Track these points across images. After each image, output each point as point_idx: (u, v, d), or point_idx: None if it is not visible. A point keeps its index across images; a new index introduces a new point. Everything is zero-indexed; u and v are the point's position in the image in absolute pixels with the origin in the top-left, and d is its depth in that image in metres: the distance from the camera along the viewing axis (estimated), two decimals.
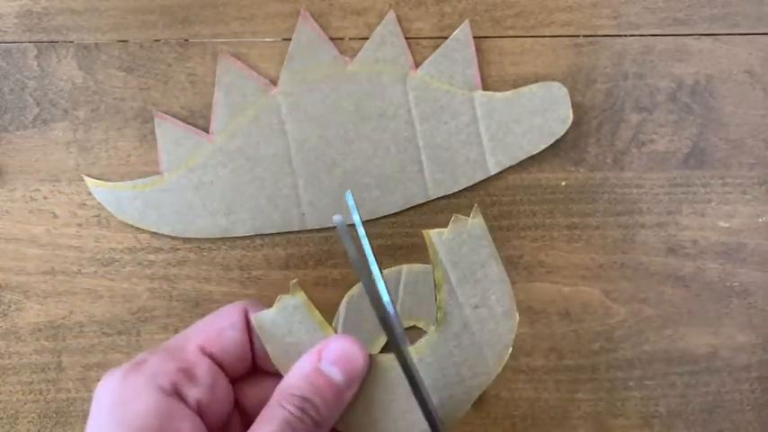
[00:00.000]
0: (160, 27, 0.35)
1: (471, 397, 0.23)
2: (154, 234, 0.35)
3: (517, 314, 0.23)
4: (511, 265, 0.36)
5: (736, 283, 0.36)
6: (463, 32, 0.35)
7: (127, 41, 0.35)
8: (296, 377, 0.22)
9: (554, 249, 0.36)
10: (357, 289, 0.35)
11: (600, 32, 0.36)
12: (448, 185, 0.35)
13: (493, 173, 0.35)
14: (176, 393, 0.21)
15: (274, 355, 0.23)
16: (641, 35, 0.36)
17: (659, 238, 0.36)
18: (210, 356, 0.22)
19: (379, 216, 0.35)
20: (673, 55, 0.36)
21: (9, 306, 0.35)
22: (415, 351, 0.23)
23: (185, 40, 0.35)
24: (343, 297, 0.35)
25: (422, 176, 0.35)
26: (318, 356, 0.22)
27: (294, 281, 0.23)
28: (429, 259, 0.35)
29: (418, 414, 0.22)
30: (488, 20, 0.35)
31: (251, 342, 0.23)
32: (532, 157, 0.35)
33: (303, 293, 0.23)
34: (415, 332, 0.36)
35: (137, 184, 0.35)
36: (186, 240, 0.35)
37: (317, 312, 0.23)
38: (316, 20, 0.35)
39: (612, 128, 0.36)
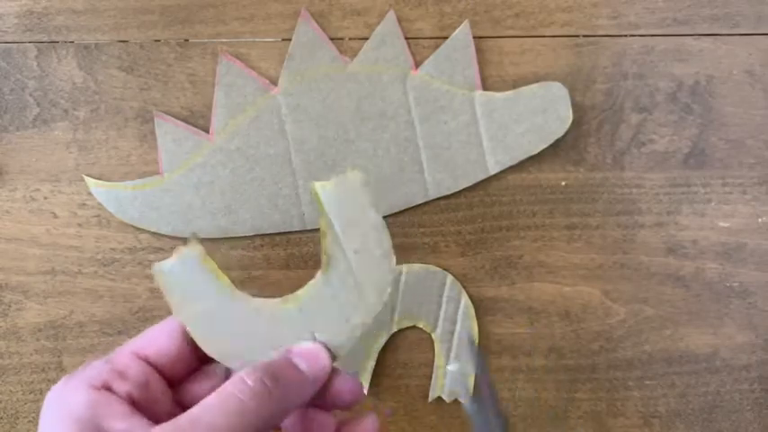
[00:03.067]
0: (160, 27, 0.35)
1: (355, 334, 0.25)
2: (154, 234, 0.35)
3: (394, 256, 0.25)
4: (511, 265, 0.36)
5: (735, 284, 0.36)
6: (463, 32, 0.35)
7: (127, 41, 0.35)
8: (262, 362, 0.23)
9: (554, 249, 0.36)
10: None
11: (600, 32, 0.36)
12: (448, 185, 0.35)
13: (493, 173, 0.35)
14: (107, 389, 0.22)
15: (172, 302, 0.24)
16: (641, 35, 0.36)
17: (659, 238, 0.36)
18: (146, 360, 0.24)
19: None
20: (673, 55, 0.36)
21: (9, 306, 0.35)
22: (298, 296, 0.25)
23: (185, 41, 0.35)
24: None
25: (422, 176, 0.35)
26: (287, 351, 0.24)
27: (192, 233, 0.25)
28: (428, 258, 0.36)
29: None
30: (488, 20, 0.35)
31: (192, 346, 0.25)
32: (532, 157, 0.35)
33: (200, 246, 0.25)
34: (414, 331, 0.36)
35: (137, 184, 0.35)
36: (186, 240, 0.35)
37: (212, 262, 0.25)
38: (316, 20, 0.35)
39: (612, 128, 0.36)
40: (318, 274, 0.25)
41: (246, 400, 0.22)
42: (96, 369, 0.23)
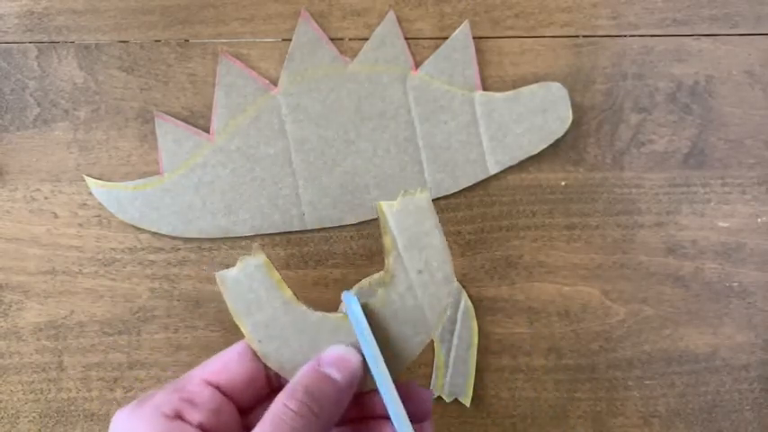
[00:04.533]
0: (160, 27, 0.35)
1: (414, 353, 0.25)
2: (154, 234, 0.35)
3: (455, 280, 0.26)
4: (511, 265, 0.36)
5: (735, 284, 0.36)
6: (463, 33, 0.35)
7: (127, 42, 0.35)
8: (297, 378, 0.24)
9: (554, 249, 0.36)
10: (357, 289, 0.35)
11: (600, 33, 0.36)
12: (448, 185, 0.35)
13: (493, 173, 0.35)
14: (178, 417, 0.23)
15: (234, 310, 0.25)
16: (641, 35, 0.36)
17: (659, 238, 0.36)
18: (217, 387, 0.24)
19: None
20: (672, 55, 0.36)
21: (10, 306, 0.35)
22: (370, 306, 0.25)
23: (185, 41, 0.35)
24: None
25: (422, 176, 0.35)
26: (318, 362, 0.24)
27: (257, 243, 0.25)
28: None
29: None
30: (488, 20, 0.35)
31: (265, 371, 0.25)
32: (532, 157, 0.35)
33: (264, 255, 0.25)
34: None
35: (137, 185, 0.35)
36: (187, 240, 0.35)
37: (275, 272, 0.25)
38: (316, 20, 0.35)
39: (612, 128, 0.36)
40: (380, 291, 0.25)
41: (295, 425, 0.22)
42: (167, 396, 0.23)
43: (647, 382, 0.36)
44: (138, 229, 0.35)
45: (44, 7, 0.35)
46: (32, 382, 0.36)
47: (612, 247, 0.36)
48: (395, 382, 0.24)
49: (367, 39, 0.35)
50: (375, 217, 0.35)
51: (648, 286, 0.36)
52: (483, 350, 0.36)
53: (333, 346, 0.25)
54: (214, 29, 0.35)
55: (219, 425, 0.23)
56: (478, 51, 0.35)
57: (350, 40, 0.35)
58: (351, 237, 0.36)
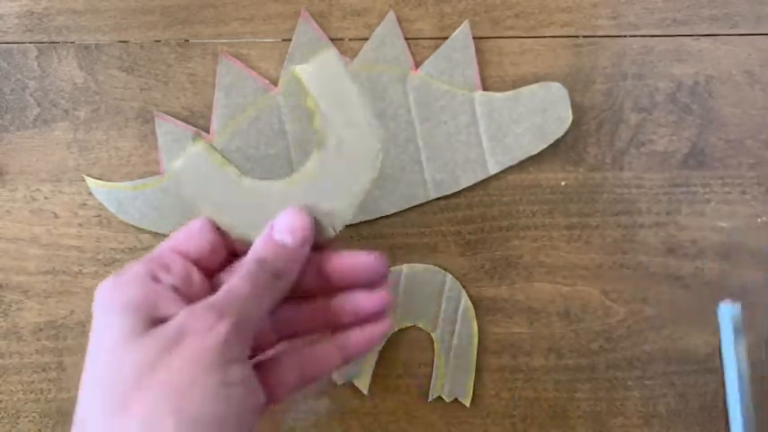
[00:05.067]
0: (160, 27, 0.35)
1: (356, 201, 0.28)
2: (155, 234, 0.35)
3: (379, 125, 0.28)
4: (511, 265, 0.36)
5: (735, 283, 0.36)
6: (463, 33, 0.35)
7: (127, 42, 0.35)
8: (254, 248, 0.27)
9: (554, 249, 0.36)
10: None
11: (599, 33, 0.36)
12: (448, 185, 0.35)
13: (493, 173, 0.35)
14: (156, 280, 0.25)
15: (189, 196, 0.28)
16: (641, 35, 0.36)
17: (658, 238, 0.36)
18: (185, 256, 0.27)
19: (379, 216, 0.35)
20: (672, 55, 0.36)
21: (10, 306, 0.36)
22: (301, 176, 0.28)
23: (185, 41, 0.35)
24: None
25: (422, 176, 0.35)
26: (270, 229, 0.27)
27: (194, 133, 0.28)
28: (428, 258, 0.36)
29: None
30: (488, 20, 0.35)
31: (224, 240, 0.28)
32: (532, 157, 0.35)
33: (202, 141, 0.27)
34: (414, 331, 0.36)
35: (137, 185, 0.35)
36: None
37: (217, 155, 0.27)
38: (316, 20, 0.35)
39: (612, 128, 0.36)
40: (314, 154, 0.27)
41: (247, 291, 0.25)
42: (144, 265, 0.26)
43: (647, 382, 0.36)
44: (138, 229, 0.35)
45: (44, 7, 0.35)
46: (33, 382, 0.36)
47: (612, 247, 0.36)
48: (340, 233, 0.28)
49: (367, 39, 0.35)
50: (374, 217, 0.35)
51: (648, 286, 0.36)
52: (483, 350, 0.36)
53: (282, 212, 0.27)
54: (214, 29, 0.35)
55: (190, 287, 0.26)
56: (478, 51, 0.35)
57: (350, 40, 0.35)
58: (351, 237, 0.36)
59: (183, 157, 0.27)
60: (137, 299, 0.25)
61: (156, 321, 0.25)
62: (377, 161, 0.28)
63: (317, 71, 0.27)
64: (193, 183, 0.27)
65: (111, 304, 0.25)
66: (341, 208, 0.28)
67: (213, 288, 0.27)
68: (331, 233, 0.28)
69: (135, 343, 0.24)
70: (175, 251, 0.27)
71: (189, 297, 0.26)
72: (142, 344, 0.24)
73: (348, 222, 0.28)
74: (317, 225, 0.27)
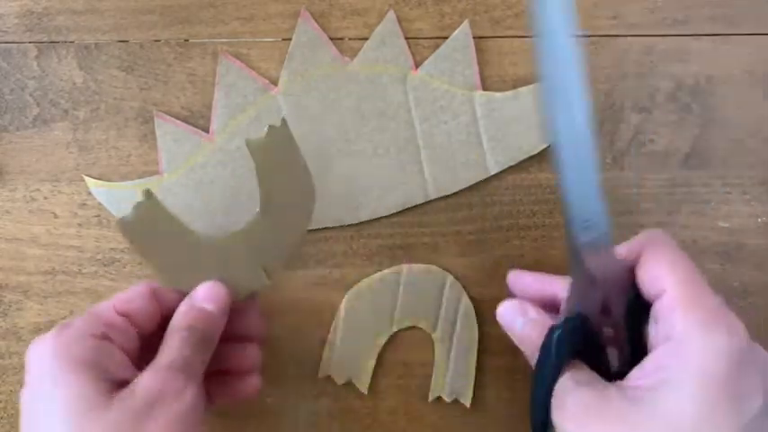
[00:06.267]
0: (160, 27, 0.35)
1: (287, 252, 0.31)
2: None
3: (314, 189, 0.31)
4: (511, 265, 0.36)
5: (735, 283, 0.36)
6: (463, 32, 0.35)
7: (127, 41, 0.35)
8: (178, 316, 0.28)
9: (554, 249, 0.36)
10: (357, 289, 0.35)
11: (600, 32, 0.36)
12: (448, 185, 0.35)
13: (493, 173, 0.35)
14: (106, 338, 0.26)
15: (138, 250, 0.29)
16: (641, 35, 0.36)
17: None
18: (127, 316, 0.28)
19: (379, 216, 0.35)
20: (673, 55, 0.36)
21: (10, 306, 0.35)
22: (243, 232, 0.30)
23: (185, 41, 0.35)
24: (343, 297, 0.35)
25: (422, 176, 0.35)
26: (191, 299, 0.29)
27: (145, 189, 0.29)
28: (428, 258, 0.36)
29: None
30: (488, 20, 0.35)
31: (161, 303, 0.29)
32: (532, 157, 0.35)
33: (155, 196, 0.29)
34: (414, 331, 0.36)
35: (137, 184, 0.35)
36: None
37: (165, 209, 0.29)
38: (316, 20, 0.35)
39: (612, 128, 0.36)
40: (257, 212, 0.30)
41: (184, 353, 0.26)
42: (91, 322, 0.26)
43: None
44: None
45: (44, 7, 0.35)
46: None
47: None
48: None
49: (367, 39, 0.35)
50: (374, 217, 0.35)
51: None
52: (483, 350, 0.36)
53: (202, 285, 0.29)
54: (214, 29, 0.35)
55: (130, 347, 0.27)
56: (478, 51, 0.35)
57: (350, 40, 0.35)
58: (351, 237, 0.36)
59: (134, 211, 0.29)
60: (89, 359, 0.24)
61: (113, 385, 0.24)
62: (309, 219, 0.31)
63: (264, 142, 0.29)
64: (142, 236, 0.29)
65: (57, 364, 0.24)
66: (276, 260, 0.31)
67: (145, 347, 0.28)
68: (266, 282, 0.31)
69: (101, 410, 0.23)
70: (118, 311, 0.28)
71: (133, 359, 0.26)
72: (110, 411, 0.23)
73: (281, 271, 0.32)
74: (251, 277, 0.30)
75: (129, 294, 0.28)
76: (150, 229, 0.29)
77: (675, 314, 0.23)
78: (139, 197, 0.29)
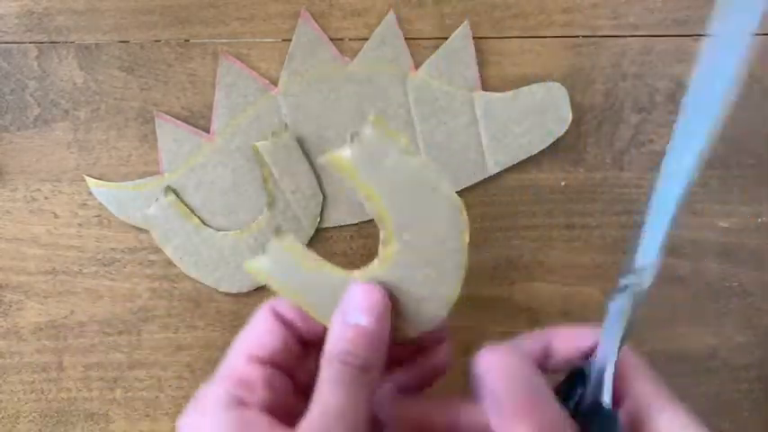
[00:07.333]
0: (160, 27, 0.35)
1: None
2: None
3: (321, 194, 0.34)
4: (511, 265, 0.36)
5: (735, 283, 0.36)
6: (463, 33, 0.35)
7: (127, 42, 0.35)
8: (329, 341, 0.23)
9: (553, 249, 0.36)
10: None
11: (599, 33, 0.36)
12: None
13: (493, 173, 0.35)
14: (241, 405, 0.22)
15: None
16: (641, 36, 0.36)
17: None
18: (259, 361, 0.23)
19: None
20: (672, 55, 0.36)
21: (10, 306, 0.36)
22: (243, 233, 0.33)
23: (186, 41, 0.35)
24: None
25: None
26: (342, 313, 0.23)
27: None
28: None
29: None
30: (488, 20, 0.35)
31: (288, 328, 0.25)
32: (532, 157, 0.35)
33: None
34: None
35: (137, 184, 0.35)
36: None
37: (183, 207, 0.31)
38: (316, 20, 0.35)
39: (612, 128, 0.36)
40: (265, 212, 0.32)
41: (343, 391, 0.22)
42: (221, 387, 0.22)
43: None
44: (139, 228, 0.35)
45: (44, 7, 0.35)
46: (33, 382, 0.36)
47: (612, 247, 0.36)
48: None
49: (367, 39, 0.35)
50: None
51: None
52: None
53: (352, 287, 0.23)
54: (214, 29, 0.35)
55: (278, 398, 0.23)
56: (478, 51, 0.35)
57: (350, 40, 0.35)
58: (351, 237, 0.36)
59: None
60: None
61: None
62: (315, 223, 0.34)
63: (276, 145, 0.32)
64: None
65: None
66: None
67: (296, 389, 0.24)
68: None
69: None
70: (250, 358, 0.23)
71: (277, 412, 0.22)
72: None
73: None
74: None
75: (255, 328, 0.24)
76: (168, 223, 0.31)
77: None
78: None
